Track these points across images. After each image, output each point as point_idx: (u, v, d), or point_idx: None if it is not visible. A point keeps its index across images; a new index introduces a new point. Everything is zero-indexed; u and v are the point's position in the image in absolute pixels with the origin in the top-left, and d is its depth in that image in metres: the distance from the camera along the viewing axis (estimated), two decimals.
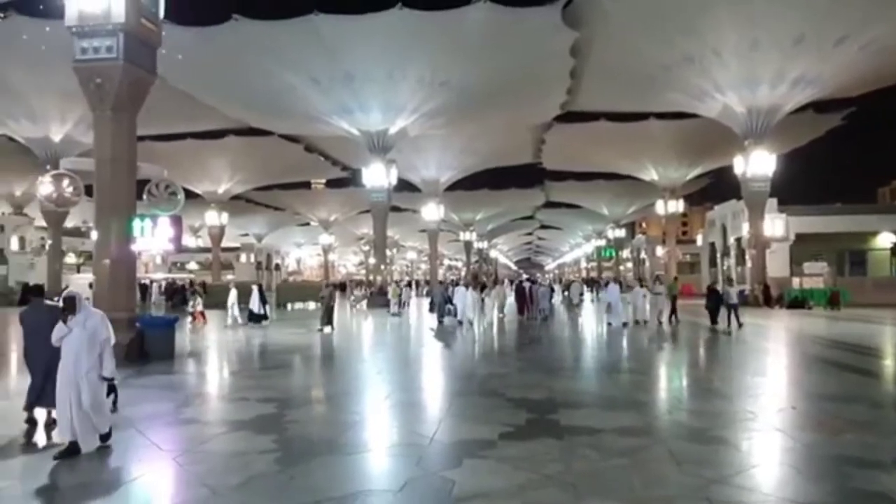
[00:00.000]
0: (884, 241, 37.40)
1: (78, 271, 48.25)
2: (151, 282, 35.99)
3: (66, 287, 12.79)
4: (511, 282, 39.45)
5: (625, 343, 16.95)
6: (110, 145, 13.30)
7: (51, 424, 7.09)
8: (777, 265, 34.27)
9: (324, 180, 69.34)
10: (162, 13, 13.92)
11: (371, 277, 41.88)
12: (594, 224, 77.04)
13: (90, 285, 14.98)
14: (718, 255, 46.08)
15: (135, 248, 13.76)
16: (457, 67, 29.06)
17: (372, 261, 51.39)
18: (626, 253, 78.87)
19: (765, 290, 31.52)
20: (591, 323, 24.67)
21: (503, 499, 5.03)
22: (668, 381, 11.71)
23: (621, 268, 77.56)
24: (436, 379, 12.04)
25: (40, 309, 7.56)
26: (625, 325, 20.22)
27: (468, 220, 68.94)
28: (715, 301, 19.98)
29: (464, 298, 21.65)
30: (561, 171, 54.04)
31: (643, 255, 72.50)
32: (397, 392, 9.85)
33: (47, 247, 37.98)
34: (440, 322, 22.24)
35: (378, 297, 31.66)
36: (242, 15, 25.78)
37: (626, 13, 25.77)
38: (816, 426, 7.38)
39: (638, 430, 7.16)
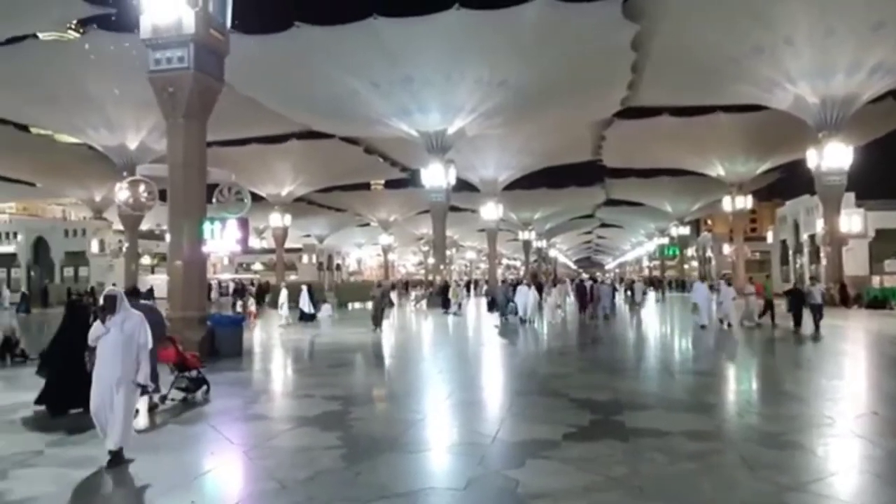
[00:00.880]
0: None
1: (152, 272, 50.54)
2: (218, 282, 37.38)
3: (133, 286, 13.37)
4: (572, 280, 38.94)
5: (695, 344, 16.47)
6: (182, 151, 13.89)
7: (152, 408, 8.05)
8: (855, 263, 32.57)
9: (383, 181, 70.28)
10: (229, 23, 14.44)
11: (430, 277, 42.14)
12: (657, 222, 75.13)
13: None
14: (790, 252, 44.19)
15: (205, 249, 14.32)
16: (514, 66, 28.90)
17: (431, 261, 51.76)
18: (690, 251, 76.58)
19: (841, 289, 29.99)
20: (654, 323, 24.09)
21: (568, 500, 4.97)
22: (739, 384, 11.29)
23: (685, 266, 75.36)
24: (497, 378, 12.02)
25: (136, 308, 8.00)
26: (702, 327, 18.74)
27: (527, 220, 68.45)
28: (797, 302, 18.64)
29: (525, 297, 21.85)
30: (622, 168, 52.94)
31: (709, 253, 70.26)
32: (459, 391, 9.88)
33: (124, 249, 39.98)
34: (504, 320, 22.35)
35: (438, 297, 31.83)
36: (304, 22, 26.41)
37: (690, 3, 25.00)
38: None
39: (707, 433, 6.95)
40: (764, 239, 56.70)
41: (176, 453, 6.45)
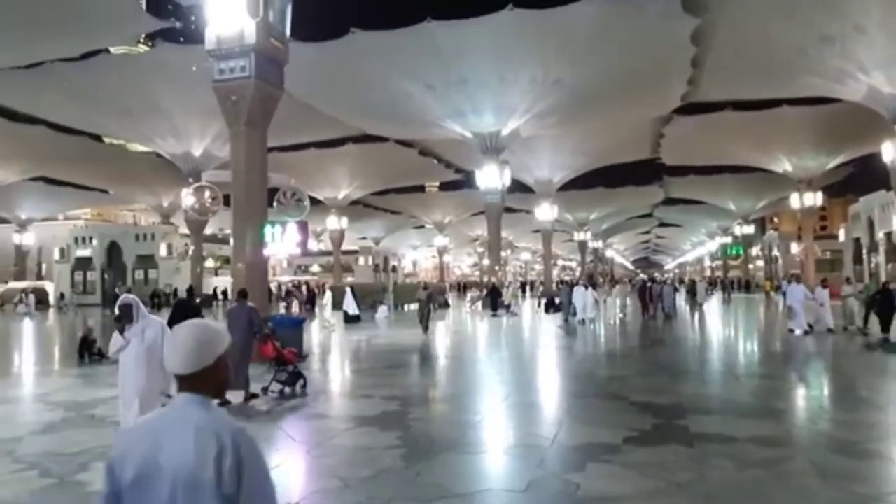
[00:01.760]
0: None
1: (216, 274, 52.35)
2: (278, 285, 38.39)
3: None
4: (630, 281, 38.23)
5: (764, 347, 15.86)
6: (245, 158, 14.33)
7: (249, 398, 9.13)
8: None
9: (438, 183, 70.63)
10: (288, 32, 14.82)
11: (486, 279, 42.07)
12: (719, 220, 72.72)
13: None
14: (864, 251, 42.00)
15: (266, 252, 14.72)
16: (569, 65, 28.54)
17: (486, 262, 51.67)
18: (755, 251, 73.78)
19: None
20: (717, 324, 23.36)
21: None
22: (811, 389, 10.80)
23: (750, 266, 72.68)
24: (555, 380, 11.90)
25: (243, 308, 9.89)
26: (807, 332, 16.90)
27: (582, 220, 67.50)
28: (889, 304, 16.19)
29: (583, 298, 21.69)
30: (682, 165, 51.51)
31: (775, 252, 67.53)
32: (516, 393, 9.83)
33: (190, 252, 41.59)
34: (566, 321, 22.24)
35: (493, 298, 31.74)
36: (360, 28, 26.82)
37: None
38: None
39: (777, 439, 6.68)
40: (835, 237, 54.15)
41: None
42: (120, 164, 44.45)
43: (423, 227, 75.44)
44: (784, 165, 44.45)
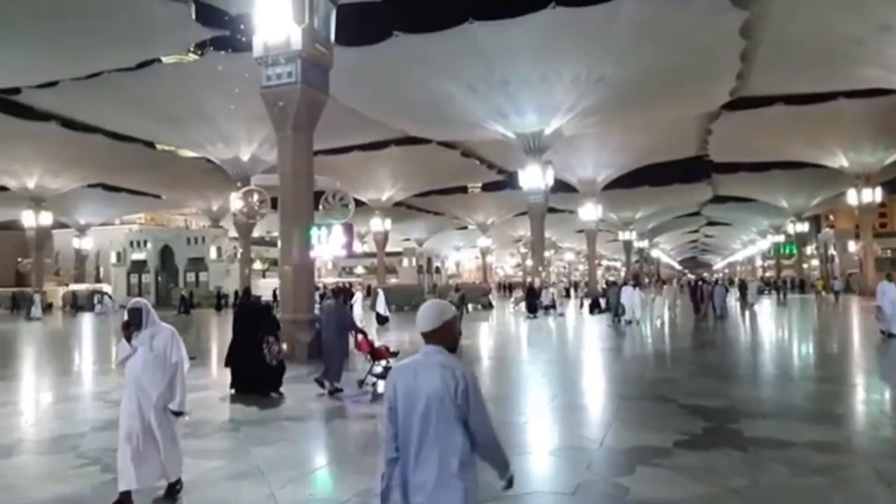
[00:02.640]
0: None
1: (263, 276, 53.50)
2: (324, 286, 38.97)
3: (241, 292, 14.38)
4: (678, 281, 37.45)
5: (823, 349, 15.32)
6: (291, 161, 14.64)
7: (333, 392, 9.67)
8: None
9: (480, 184, 70.51)
10: (333, 37, 15.06)
11: (528, 279, 41.80)
12: (770, 219, 70.46)
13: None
14: None
15: (313, 254, 14.97)
16: (613, 62, 28.11)
17: (529, 263, 51.35)
18: (809, 249, 71.28)
19: None
20: (770, 325, 22.67)
21: None
22: (872, 393, 10.35)
23: (805, 266, 70.24)
24: (603, 382, 11.74)
25: (338, 307, 10.92)
26: (892, 335, 15.44)
27: (627, 219, 66.38)
28: None
29: (631, 298, 21.45)
30: (731, 162, 50.14)
31: (831, 251, 65.08)
32: (563, 394, 9.74)
33: (239, 254, 42.61)
34: (616, 321, 22.00)
35: (530, 299, 31.48)
36: (402, 31, 27.03)
37: None
38: None
39: (836, 445, 6.45)
40: None
41: (297, 446, 6.78)
42: (172, 170, 45.88)
43: (465, 228, 75.44)
44: (840, 161, 42.81)
